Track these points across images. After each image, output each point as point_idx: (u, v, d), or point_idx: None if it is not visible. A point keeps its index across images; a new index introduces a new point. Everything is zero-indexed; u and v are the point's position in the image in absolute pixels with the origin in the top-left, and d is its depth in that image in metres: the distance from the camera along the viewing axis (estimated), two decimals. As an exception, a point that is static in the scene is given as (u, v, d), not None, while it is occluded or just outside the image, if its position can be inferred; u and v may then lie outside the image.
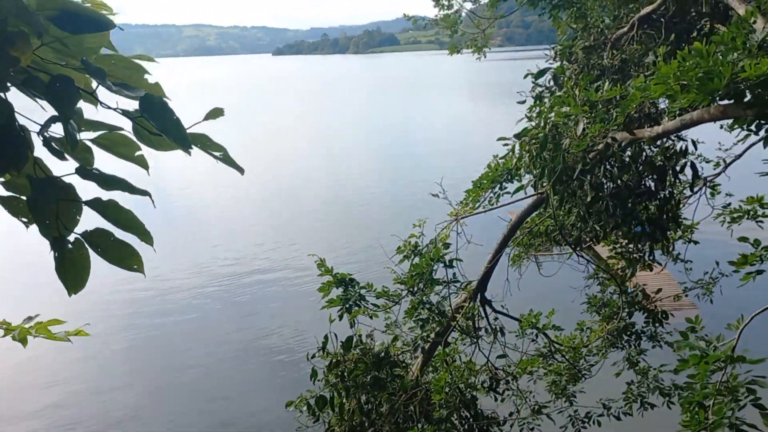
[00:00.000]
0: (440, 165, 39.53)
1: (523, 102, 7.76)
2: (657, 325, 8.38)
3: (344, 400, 6.65)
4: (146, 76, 2.12)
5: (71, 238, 2.20)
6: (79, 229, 2.23)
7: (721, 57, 3.98)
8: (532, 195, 6.98)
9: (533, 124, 6.18)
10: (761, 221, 8.06)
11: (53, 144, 2.11)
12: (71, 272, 2.23)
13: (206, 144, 2.15)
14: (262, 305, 22.44)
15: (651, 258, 6.94)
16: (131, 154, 2.44)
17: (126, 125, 2.28)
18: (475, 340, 7.26)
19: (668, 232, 6.62)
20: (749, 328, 5.07)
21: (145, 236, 2.29)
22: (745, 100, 4.25)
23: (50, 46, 1.93)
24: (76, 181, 2.24)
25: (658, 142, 6.38)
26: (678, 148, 6.46)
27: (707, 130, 6.14)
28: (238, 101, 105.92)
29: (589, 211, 6.02)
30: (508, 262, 9.18)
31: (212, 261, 27.16)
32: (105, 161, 2.50)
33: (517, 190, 7.22)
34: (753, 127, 4.68)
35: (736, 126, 5.04)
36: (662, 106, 6.65)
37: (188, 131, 2.11)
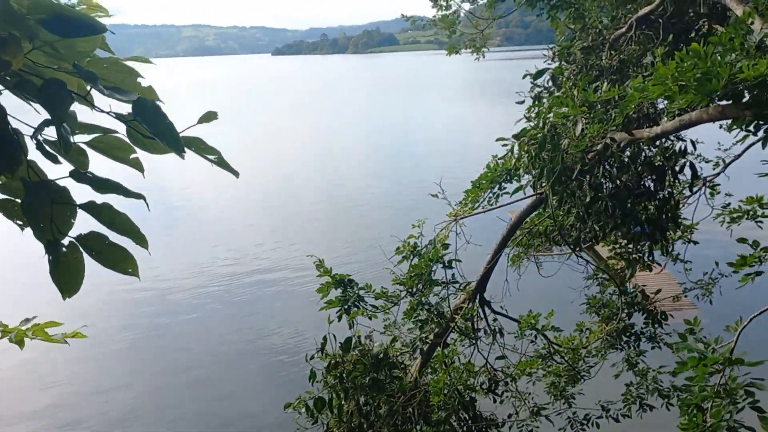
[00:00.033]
0: (440, 165, 39.54)
1: (522, 102, 7.76)
2: (656, 326, 8.37)
3: (343, 402, 6.63)
4: (139, 79, 2.11)
5: (65, 241, 2.19)
6: (74, 232, 2.23)
7: (719, 58, 3.97)
8: (531, 195, 6.97)
9: (532, 124, 6.17)
10: (761, 221, 8.06)
11: (47, 147, 2.10)
12: (65, 276, 2.22)
13: (201, 147, 2.14)
14: (262, 305, 22.44)
15: (650, 258, 6.92)
16: (126, 157, 2.43)
17: (121, 128, 2.27)
18: (474, 342, 7.25)
19: (667, 233, 6.60)
20: (748, 330, 5.05)
21: (140, 239, 2.28)
22: (744, 100, 4.25)
23: (42, 50, 1.92)
24: (70, 184, 2.23)
25: (657, 143, 6.37)
26: (677, 148, 6.44)
27: (706, 129, 6.12)
28: (238, 101, 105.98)
29: (588, 211, 6.01)
30: (508, 263, 9.16)
31: (212, 261, 27.17)
32: (100, 164, 2.49)
33: (516, 190, 7.21)
34: (752, 128, 4.66)
35: (734, 126, 5.03)
36: (661, 106, 6.64)
37: (183, 134, 2.10)
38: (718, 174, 9.36)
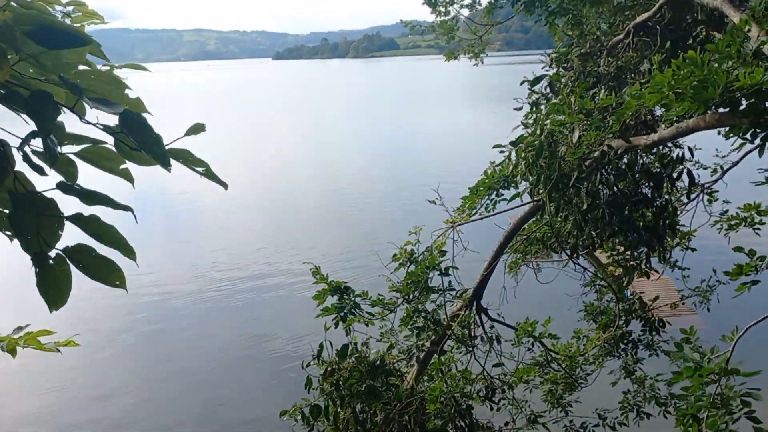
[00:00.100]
0: (438, 171, 39.54)
1: (520, 108, 7.74)
2: (654, 333, 8.34)
3: (339, 410, 6.60)
4: (127, 90, 2.10)
5: (52, 253, 2.17)
6: (61, 244, 2.21)
7: (715, 65, 3.96)
8: (529, 202, 6.95)
9: (529, 131, 6.16)
10: (758, 228, 8.04)
11: (33, 159, 2.09)
12: (52, 288, 2.21)
13: (188, 159, 2.13)
14: (260, 311, 22.40)
15: (648, 266, 6.90)
16: (116, 168, 2.42)
17: (111, 139, 2.25)
18: (470, 349, 7.21)
19: (665, 240, 6.58)
20: (745, 338, 5.03)
21: (128, 251, 2.27)
22: (740, 108, 4.23)
23: (29, 62, 1.91)
24: (58, 196, 2.21)
25: (655, 150, 6.35)
26: (675, 155, 6.42)
27: (704, 136, 6.09)
28: (238, 106, 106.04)
29: (586, 218, 5.99)
30: (505, 270, 9.13)
31: (211, 266, 27.13)
32: (90, 175, 2.47)
33: (514, 197, 7.19)
34: (748, 136, 4.65)
35: (732, 134, 5.02)
36: (658, 113, 6.62)
37: (171, 146, 2.08)
38: (716, 181, 9.32)
